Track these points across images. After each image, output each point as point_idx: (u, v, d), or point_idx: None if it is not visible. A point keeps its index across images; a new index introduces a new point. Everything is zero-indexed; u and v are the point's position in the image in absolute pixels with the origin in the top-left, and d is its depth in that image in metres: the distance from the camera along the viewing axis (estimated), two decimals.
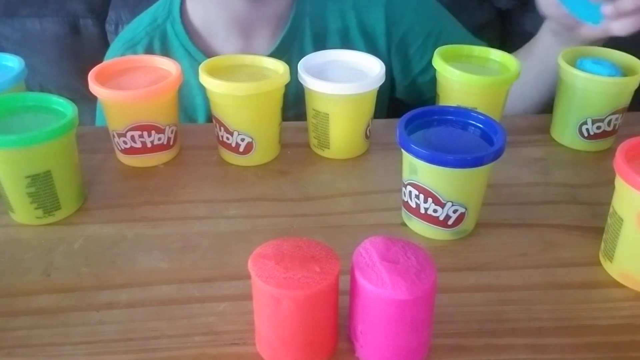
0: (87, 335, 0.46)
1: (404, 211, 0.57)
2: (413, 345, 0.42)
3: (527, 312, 0.48)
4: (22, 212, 0.57)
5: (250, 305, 0.43)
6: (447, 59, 0.66)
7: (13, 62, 0.68)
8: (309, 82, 0.63)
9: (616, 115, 0.66)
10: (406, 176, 0.54)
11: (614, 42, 0.71)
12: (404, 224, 0.57)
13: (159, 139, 0.65)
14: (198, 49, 0.83)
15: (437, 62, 0.67)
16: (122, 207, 0.60)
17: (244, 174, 0.65)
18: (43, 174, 0.55)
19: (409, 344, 0.42)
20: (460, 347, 0.45)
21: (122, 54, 0.85)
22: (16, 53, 0.70)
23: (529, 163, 0.66)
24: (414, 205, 0.54)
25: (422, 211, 0.54)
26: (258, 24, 0.83)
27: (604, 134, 0.66)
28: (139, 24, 0.88)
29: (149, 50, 0.84)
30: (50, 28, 1.32)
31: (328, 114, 0.64)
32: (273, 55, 0.79)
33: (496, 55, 0.70)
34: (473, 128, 0.56)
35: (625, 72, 0.65)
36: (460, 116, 0.56)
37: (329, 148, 0.66)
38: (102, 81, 0.63)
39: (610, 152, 0.49)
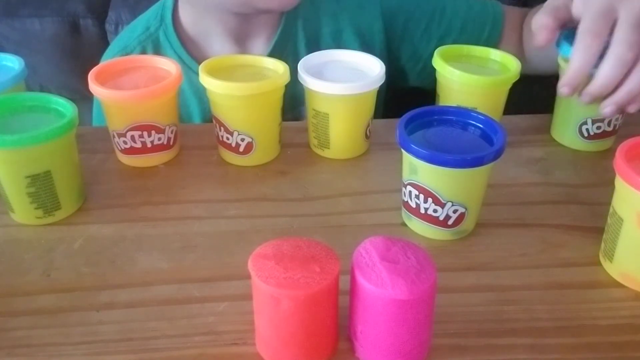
0: (87, 335, 0.46)
1: (404, 211, 0.57)
2: (413, 345, 0.42)
3: (527, 312, 0.48)
4: (22, 212, 0.57)
5: (250, 305, 0.43)
6: (447, 59, 0.66)
7: (13, 62, 0.68)
8: (309, 82, 0.63)
9: (616, 116, 0.66)
10: (406, 176, 0.54)
11: None
12: (404, 224, 0.57)
13: (159, 139, 0.65)
14: (192, 57, 0.83)
15: (437, 62, 0.67)
16: (122, 207, 0.60)
17: (244, 174, 0.65)
18: (43, 174, 0.55)
19: (409, 344, 0.42)
20: (460, 347, 0.45)
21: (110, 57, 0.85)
22: (16, 53, 0.70)
23: (529, 163, 0.66)
24: (414, 205, 0.54)
25: (422, 211, 0.54)
26: (252, 32, 0.83)
27: (604, 134, 0.66)
28: (132, 32, 0.88)
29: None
30: (50, 28, 1.32)
31: (328, 114, 0.64)
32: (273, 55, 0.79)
33: (496, 55, 0.70)
34: (473, 128, 0.56)
35: None
36: (460, 116, 0.56)
37: (329, 148, 0.66)
38: (102, 81, 0.63)
39: (610, 152, 0.49)
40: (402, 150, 0.53)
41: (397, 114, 0.56)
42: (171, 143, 0.66)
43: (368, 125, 0.66)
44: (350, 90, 0.62)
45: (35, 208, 0.56)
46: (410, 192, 0.54)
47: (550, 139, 0.70)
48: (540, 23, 0.60)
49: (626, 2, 0.56)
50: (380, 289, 0.39)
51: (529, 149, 0.68)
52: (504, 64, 0.69)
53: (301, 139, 0.69)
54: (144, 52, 0.84)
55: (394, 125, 0.54)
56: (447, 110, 0.57)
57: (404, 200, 0.56)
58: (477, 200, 0.54)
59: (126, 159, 0.66)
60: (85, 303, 0.49)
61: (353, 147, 0.67)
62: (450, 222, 0.54)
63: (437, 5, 0.84)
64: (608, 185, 0.50)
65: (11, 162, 0.54)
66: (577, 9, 0.59)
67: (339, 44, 0.83)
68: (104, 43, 1.33)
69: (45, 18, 1.32)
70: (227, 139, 0.64)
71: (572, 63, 0.57)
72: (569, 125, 0.67)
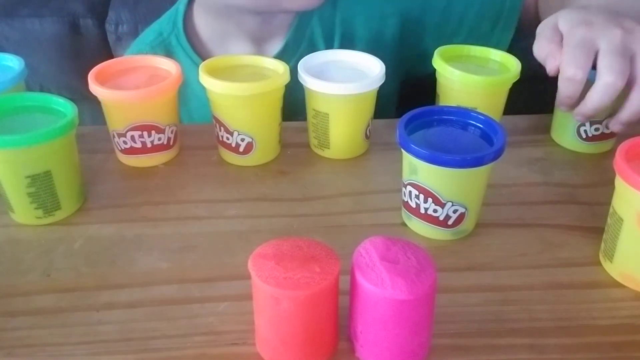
0: (87, 335, 0.46)
1: (404, 211, 0.57)
2: (413, 345, 0.42)
3: (527, 312, 0.48)
4: (22, 212, 0.57)
5: (250, 305, 0.43)
6: (447, 59, 0.66)
7: (13, 62, 0.68)
8: (309, 82, 0.63)
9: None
10: (406, 176, 0.54)
11: None
12: (404, 224, 0.57)
13: (159, 139, 0.65)
14: (204, 59, 0.83)
15: (437, 62, 0.67)
16: (122, 207, 0.60)
17: (244, 174, 0.65)
18: (43, 174, 0.55)
19: (409, 344, 0.42)
20: (460, 347, 0.45)
21: None
22: (16, 53, 0.70)
23: (529, 163, 0.66)
24: (414, 205, 0.54)
25: (422, 211, 0.54)
26: (269, 32, 0.83)
27: (602, 136, 0.66)
28: (145, 39, 0.88)
29: None
30: (50, 28, 1.32)
31: (328, 114, 0.64)
32: (279, 56, 0.79)
33: (496, 55, 0.70)
34: (473, 128, 0.56)
35: None
36: (460, 116, 0.56)
37: (329, 148, 0.66)
38: (102, 81, 0.63)
39: (610, 152, 0.49)
40: (402, 150, 0.53)
41: (397, 114, 0.56)
42: (171, 143, 0.66)
43: (368, 125, 0.66)
44: (350, 90, 0.62)
45: (35, 208, 0.56)
46: (410, 192, 0.54)
47: (550, 139, 0.70)
48: (547, 52, 0.62)
49: (605, 33, 0.58)
50: (380, 289, 0.39)
51: (529, 149, 0.68)
52: (504, 64, 0.69)
53: (301, 139, 0.69)
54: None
55: (394, 125, 0.54)
56: (447, 110, 0.57)
57: (404, 200, 0.56)
58: (477, 200, 0.54)
59: (126, 159, 0.66)
60: (85, 303, 0.49)
61: (353, 147, 0.67)
62: (450, 222, 0.54)
63: None
64: (608, 185, 0.50)
65: (11, 162, 0.54)
66: (562, 30, 0.61)
67: (351, 33, 0.83)
68: (104, 43, 1.33)
69: (45, 18, 1.32)
70: (227, 139, 0.64)
71: (559, 93, 0.61)
72: (567, 126, 0.67)
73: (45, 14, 1.32)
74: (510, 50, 0.70)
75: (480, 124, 0.55)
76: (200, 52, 0.84)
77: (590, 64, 0.58)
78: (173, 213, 0.59)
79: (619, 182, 0.48)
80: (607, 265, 0.52)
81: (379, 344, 0.42)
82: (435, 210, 0.53)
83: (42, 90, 1.22)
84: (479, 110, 0.57)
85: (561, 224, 0.57)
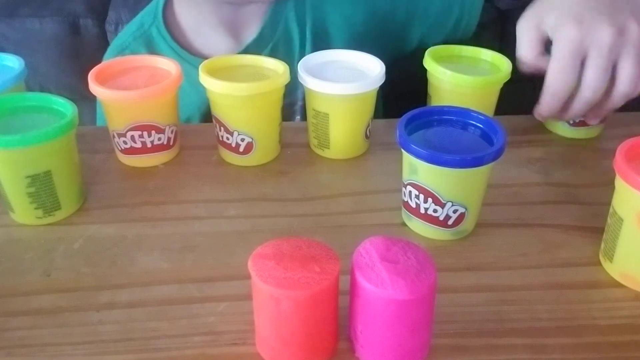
0: (87, 335, 0.46)
1: (404, 211, 0.57)
2: (413, 345, 0.42)
3: (527, 312, 0.48)
4: (22, 212, 0.57)
5: (250, 305, 0.43)
6: (438, 60, 0.67)
7: (13, 62, 0.68)
8: (309, 82, 0.63)
9: None
10: (406, 176, 0.54)
11: None
12: (404, 224, 0.57)
13: (159, 139, 0.65)
14: (184, 48, 0.84)
15: (428, 63, 0.67)
16: (122, 207, 0.60)
17: (244, 174, 0.65)
18: (43, 174, 0.55)
19: (409, 344, 0.42)
20: (460, 347, 0.45)
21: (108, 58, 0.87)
22: (16, 53, 0.70)
23: (529, 163, 0.66)
24: (414, 205, 0.54)
25: (422, 211, 0.54)
26: (245, 22, 0.83)
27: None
28: (128, 30, 0.89)
29: (137, 54, 0.85)
30: (50, 28, 1.32)
31: (328, 114, 0.64)
32: (254, 44, 0.81)
33: (487, 55, 0.70)
34: (473, 128, 0.56)
35: None
36: (460, 116, 0.56)
37: (329, 148, 0.66)
38: (102, 81, 0.63)
39: (610, 152, 0.49)
40: (402, 150, 0.53)
41: (397, 114, 0.56)
42: (171, 143, 0.66)
43: (368, 125, 0.66)
44: (350, 90, 0.62)
45: (35, 208, 0.56)
46: (410, 192, 0.54)
47: (550, 138, 0.70)
48: (531, 62, 0.64)
49: (595, 34, 0.58)
50: (380, 289, 0.39)
51: (529, 149, 0.68)
52: (495, 64, 0.69)
53: (301, 139, 0.69)
54: (137, 48, 0.85)
55: (394, 125, 0.54)
56: (447, 110, 0.57)
57: (404, 200, 0.56)
58: (477, 200, 0.54)
59: (126, 159, 0.66)
60: (85, 303, 0.49)
61: (353, 147, 0.67)
62: (450, 222, 0.54)
63: None
64: (608, 185, 0.50)
65: (11, 162, 0.54)
66: (550, 32, 0.62)
67: (323, 21, 0.84)
68: (104, 43, 1.32)
69: (45, 18, 1.31)
70: (227, 139, 0.64)
71: (542, 104, 0.63)
72: None
73: (45, 14, 1.32)
74: (500, 50, 0.70)
75: (480, 124, 0.55)
76: (180, 41, 0.85)
77: (577, 76, 0.60)
78: (173, 213, 0.59)
79: (619, 182, 0.48)
80: (607, 265, 0.52)
81: (379, 344, 0.42)
82: (435, 210, 0.53)
83: (42, 90, 1.22)
84: None
85: (561, 224, 0.57)
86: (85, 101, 0.75)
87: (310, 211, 0.59)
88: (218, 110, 0.64)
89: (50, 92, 0.60)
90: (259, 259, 0.41)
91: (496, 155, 0.51)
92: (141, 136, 0.64)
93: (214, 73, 0.63)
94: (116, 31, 1.30)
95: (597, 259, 0.53)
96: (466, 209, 0.53)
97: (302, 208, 0.59)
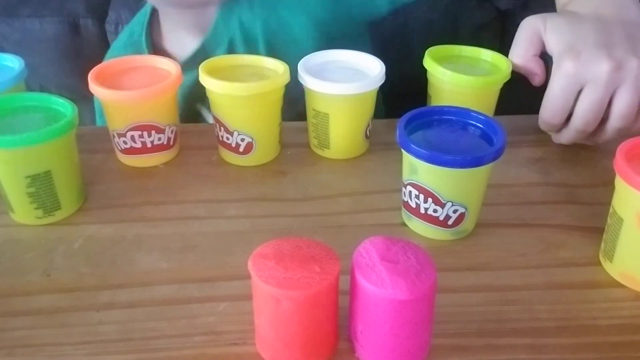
0: (87, 335, 0.46)
1: (404, 211, 0.57)
2: (413, 345, 0.42)
3: (527, 312, 0.48)
4: (22, 212, 0.57)
5: (250, 305, 0.43)
6: (438, 60, 0.67)
7: (13, 62, 0.68)
8: (309, 82, 0.63)
9: None
10: (406, 176, 0.54)
11: None
12: (404, 224, 0.57)
13: (159, 139, 0.65)
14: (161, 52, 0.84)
15: (428, 63, 0.67)
16: (122, 207, 0.60)
17: (244, 174, 0.65)
18: (43, 174, 0.55)
19: (408, 344, 0.42)
20: (460, 347, 0.45)
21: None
22: (16, 53, 0.70)
23: (529, 163, 0.66)
24: (414, 205, 0.54)
25: (422, 211, 0.54)
26: (207, 24, 0.83)
27: None
28: (120, 40, 0.91)
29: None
30: (50, 28, 1.32)
31: (328, 114, 0.64)
32: (211, 38, 0.81)
33: (487, 55, 0.70)
34: (473, 128, 0.56)
35: None
36: (460, 116, 0.56)
37: (329, 148, 0.66)
38: (102, 81, 0.63)
39: (610, 152, 0.49)
40: (402, 150, 0.53)
41: (397, 114, 0.56)
42: (171, 143, 0.66)
43: (368, 125, 0.66)
44: (350, 90, 0.62)
45: (35, 208, 0.56)
46: (410, 192, 0.54)
47: (550, 138, 0.70)
48: (525, 67, 0.66)
49: (592, 69, 0.59)
50: (380, 289, 0.39)
51: (529, 149, 0.68)
52: (495, 64, 0.69)
53: (301, 139, 0.69)
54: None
55: (394, 125, 0.54)
56: (447, 110, 0.57)
57: (404, 200, 0.56)
58: (477, 200, 0.54)
59: (126, 159, 0.66)
60: (85, 303, 0.49)
61: (353, 147, 0.67)
62: (450, 222, 0.54)
63: None
64: (608, 185, 0.50)
65: (11, 162, 0.54)
66: (549, 48, 0.64)
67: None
68: (104, 43, 1.32)
69: (45, 18, 1.32)
70: (227, 139, 0.64)
71: (539, 121, 0.65)
72: None
73: (45, 14, 1.32)
74: (500, 50, 0.70)
75: (480, 124, 0.55)
76: (165, 46, 0.85)
77: (569, 109, 0.61)
78: (173, 213, 0.59)
79: (619, 182, 0.48)
80: (607, 265, 0.52)
81: (379, 344, 0.42)
82: (435, 210, 0.53)
83: (42, 90, 1.22)
84: None
85: (561, 224, 0.57)
86: (85, 101, 0.75)
87: (310, 211, 0.59)
88: (218, 110, 0.64)
89: (50, 92, 0.60)
90: (259, 259, 0.41)
91: (496, 155, 0.51)
92: (141, 136, 0.64)
93: (214, 73, 0.63)
94: (116, 31, 1.30)
95: (597, 259, 0.53)
96: (466, 209, 0.53)
97: (302, 208, 0.59)
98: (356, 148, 0.67)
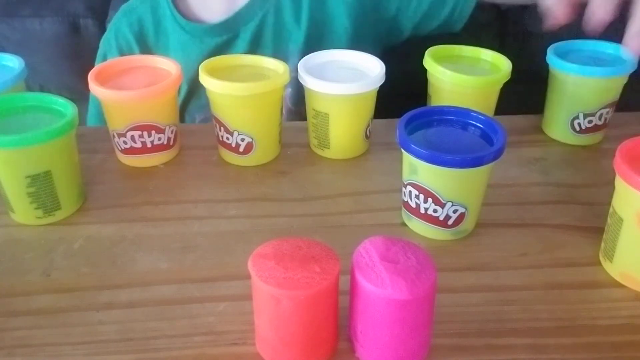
0: (87, 335, 0.46)
1: (404, 211, 0.57)
2: (413, 345, 0.42)
3: (527, 312, 0.48)
4: (22, 212, 0.57)
5: (250, 305, 0.43)
6: (438, 60, 0.67)
7: (13, 62, 0.68)
8: (309, 82, 0.63)
9: (607, 109, 0.66)
10: (406, 176, 0.54)
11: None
12: (404, 224, 0.57)
13: (159, 139, 0.65)
14: (183, 14, 0.86)
15: (428, 63, 0.67)
16: (122, 207, 0.60)
17: (244, 174, 0.65)
18: (43, 174, 0.55)
19: (409, 344, 0.42)
20: (460, 347, 0.45)
21: (119, 20, 0.90)
22: (16, 53, 0.70)
23: (529, 163, 0.66)
24: (414, 205, 0.54)
25: (422, 211, 0.54)
26: None
27: (595, 128, 0.68)
28: None
29: (142, 17, 0.88)
30: (50, 28, 1.32)
31: (328, 114, 0.64)
32: (249, 6, 0.83)
33: (487, 55, 0.70)
34: (473, 128, 0.56)
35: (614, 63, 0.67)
36: (460, 116, 0.56)
37: (329, 148, 0.66)
38: (102, 81, 0.63)
39: (610, 152, 0.49)
40: (402, 150, 0.53)
41: (397, 114, 0.56)
42: (171, 143, 0.66)
43: (368, 125, 0.66)
44: (350, 90, 0.62)
45: (35, 208, 0.56)
46: (410, 192, 0.54)
47: (550, 138, 0.70)
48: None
49: None
50: (380, 289, 0.39)
51: (529, 149, 0.68)
52: (495, 64, 0.69)
53: (301, 139, 0.69)
54: (145, 10, 0.88)
55: (394, 125, 0.54)
56: (447, 110, 0.57)
57: (404, 200, 0.56)
58: (477, 200, 0.54)
59: (126, 159, 0.66)
60: (85, 303, 0.49)
61: (353, 147, 0.67)
62: (450, 222, 0.54)
63: None
64: (608, 185, 0.50)
65: (11, 162, 0.54)
66: None
67: None
68: None
69: (45, 18, 1.31)
70: (227, 139, 0.64)
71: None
72: (560, 120, 0.68)
73: (45, 14, 1.32)
74: (500, 50, 0.70)
75: (480, 124, 0.55)
76: (181, 8, 0.87)
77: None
78: (173, 213, 0.59)
79: (619, 182, 0.48)
80: (607, 265, 0.52)
81: (379, 344, 0.42)
82: (435, 210, 0.53)
83: (42, 90, 1.22)
84: None
85: (561, 224, 0.57)
86: (86, 101, 0.75)
87: (310, 211, 0.59)
88: (218, 110, 0.64)
89: (50, 92, 0.60)
90: (259, 259, 0.41)
91: (496, 155, 0.51)
92: (141, 136, 0.64)
93: (214, 73, 0.63)
94: None
95: (597, 259, 0.53)
96: (466, 209, 0.53)
97: (302, 208, 0.59)
98: (356, 148, 0.67)
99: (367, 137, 0.67)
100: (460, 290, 0.50)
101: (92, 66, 0.65)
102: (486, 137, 0.54)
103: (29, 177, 0.55)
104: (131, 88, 0.63)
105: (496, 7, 1.24)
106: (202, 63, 0.64)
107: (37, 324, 0.47)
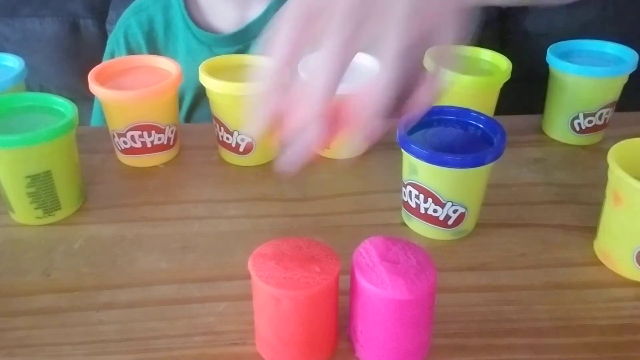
0: (87, 335, 0.46)
1: (404, 211, 0.57)
2: (413, 345, 0.42)
3: (527, 312, 0.48)
4: (22, 212, 0.57)
5: (250, 305, 0.43)
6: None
7: (13, 62, 0.68)
8: None
9: (607, 109, 0.66)
10: (406, 176, 0.54)
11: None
12: (404, 224, 0.57)
13: (159, 139, 0.65)
14: (195, 20, 0.86)
15: (428, 63, 0.67)
16: (122, 207, 0.60)
17: (244, 174, 0.65)
18: (43, 174, 0.55)
19: (408, 344, 0.42)
20: (460, 347, 0.45)
21: (128, 18, 0.89)
22: (16, 53, 0.70)
23: (529, 163, 0.66)
24: (414, 205, 0.54)
25: (422, 211, 0.54)
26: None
27: (595, 128, 0.68)
28: None
29: (152, 17, 0.88)
30: (50, 28, 1.32)
31: None
32: (262, 18, 0.82)
33: (487, 55, 0.70)
34: (473, 128, 0.56)
35: (616, 62, 0.67)
36: (460, 116, 0.56)
37: (329, 148, 0.66)
38: (102, 81, 0.63)
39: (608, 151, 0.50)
40: (402, 150, 0.53)
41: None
42: (171, 143, 0.66)
43: None
44: (350, 90, 0.62)
45: (35, 208, 0.56)
46: (410, 192, 0.54)
47: (550, 138, 0.70)
48: None
49: None
50: (380, 289, 0.39)
51: (529, 149, 0.68)
52: (495, 64, 0.69)
53: None
54: (156, 9, 0.88)
55: (394, 126, 0.54)
56: (447, 110, 0.57)
57: (404, 200, 0.56)
58: (477, 200, 0.54)
59: (126, 159, 0.66)
60: (85, 303, 0.49)
61: (353, 147, 0.67)
62: (450, 222, 0.54)
63: None
64: None
65: (11, 162, 0.54)
66: None
67: None
68: (104, 43, 1.32)
69: (45, 18, 1.32)
70: (227, 139, 0.64)
71: None
72: (560, 120, 0.69)
73: (45, 14, 1.32)
74: (500, 50, 0.70)
75: (480, 124, 0.55)
76: (192, 12, 0.86)
77: None
78: (173, 213, 0.59)
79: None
80: (595, 244, 0.54)
81: (379, 344, 0.42)
82: (435, 210, 0.53)
83: (42, 90, 1.22)
84: None
85: (561, 224, 0.57)
86: (85, 101, 0.75)
87: (310, 211, 0.59)
88: (218, 110, 0.64)
89: (50, 92, 0.60)
90: (259, 259, 0.41)
91: (496, 155, 0.51)
92: (141, 136, 0.64)
93: (214, 73, 0.63)
94: None
95: (597, 259, 0.53)
96: (466, 209, 0.53)
97: (302, 208, 0.59)
98: (356, 148, 0.67)
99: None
100: (460, 290, 0.50)
101: (92, 66, 0.65)
102: (486, 137, 0.54)
103: (29, 177, 0.55)
104: (131, 88, 0.63)
105: (496, 6, 1.24)
106: (202, 63, 0.64)
107: (37, 324, 0.47)
